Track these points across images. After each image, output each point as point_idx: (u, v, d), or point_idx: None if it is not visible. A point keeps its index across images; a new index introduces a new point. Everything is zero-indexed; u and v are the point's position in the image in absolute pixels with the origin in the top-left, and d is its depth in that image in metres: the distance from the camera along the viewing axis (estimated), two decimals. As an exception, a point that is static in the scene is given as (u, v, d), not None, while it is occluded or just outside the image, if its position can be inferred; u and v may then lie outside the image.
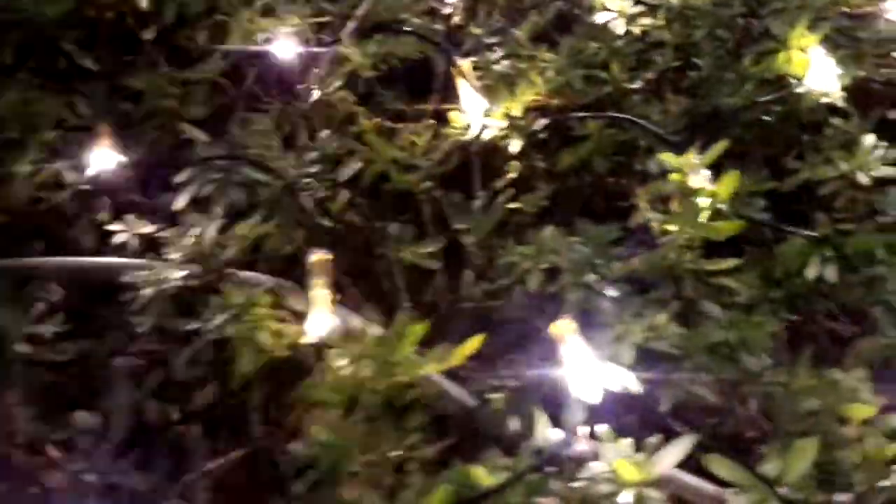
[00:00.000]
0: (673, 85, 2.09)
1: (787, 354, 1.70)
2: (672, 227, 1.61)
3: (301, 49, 1.94)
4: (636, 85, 1.98)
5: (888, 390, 1.62)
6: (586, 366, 1.42)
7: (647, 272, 1.71)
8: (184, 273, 1.73)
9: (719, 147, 1.66)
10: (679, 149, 1.86)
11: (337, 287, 1.62)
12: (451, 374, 1.57)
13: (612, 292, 1.54)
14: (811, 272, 1.69)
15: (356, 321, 1.59)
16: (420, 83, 2.01)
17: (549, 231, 1.64)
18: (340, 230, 1.72)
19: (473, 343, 1.43)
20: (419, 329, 1.47)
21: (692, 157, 1.84)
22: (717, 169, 2.01)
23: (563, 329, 1.46)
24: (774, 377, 1.55)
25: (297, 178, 1.73)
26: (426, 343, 1.53)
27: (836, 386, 1.54)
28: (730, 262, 1.68)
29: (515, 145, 1.81)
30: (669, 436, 1.47)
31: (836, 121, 2.03)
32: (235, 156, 1.85)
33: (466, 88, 1.89)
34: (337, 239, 1.67)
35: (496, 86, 1.97)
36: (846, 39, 2.16)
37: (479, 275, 1.71)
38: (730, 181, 1.69)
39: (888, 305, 1.64)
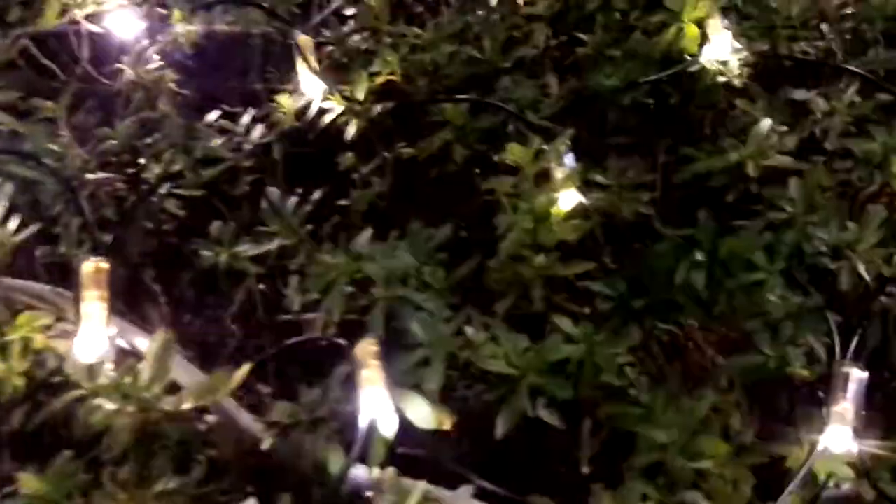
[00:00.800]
0: (555, 63, 1.87)
1: (653, 370, 1.50)
2: (518, 226, 1.40)
3: (123, 24, 1.73)
4: (508, 64, 1.76)
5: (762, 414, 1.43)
6: (381, 396, 1.21)
7: (494, 280, 1.50)
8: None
9: (565, 136, 1.44)
10: (549, 135, 1.66)
11: (131, 297, 1.42)
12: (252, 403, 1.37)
13: (430, 305, 1.32)
14: (679, 277, 1.47)
15: (139, 339, 1.39)
16: (258, 61, 1.80)
17: (364, 235, 1.43)
18: (144, 230, 1.51)
19: (240, 373, 1.22)
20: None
21: (560, 146, 1.64)
22: (600, 158, 1.82)
23: (365, 352, 1.26)
24: (619, 407, 1.34)
25: (84, 172, 1.52)
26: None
27: (692, 413, 1.33)
28: (585, 266, 1.47)
29: (351, 132, 1.59)
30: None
31: (739, 102, 1.83)
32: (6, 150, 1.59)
33: (305, 68, 1.67)
34: (129, 242, 1.46)
35: (349, 64, 1.76)
36: (757, 10, 1.94)
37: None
38: (574, 175, 1.48)
39: (766, 318, 1.42)
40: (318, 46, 1.74)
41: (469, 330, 1.30)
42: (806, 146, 1.69)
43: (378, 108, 1.58)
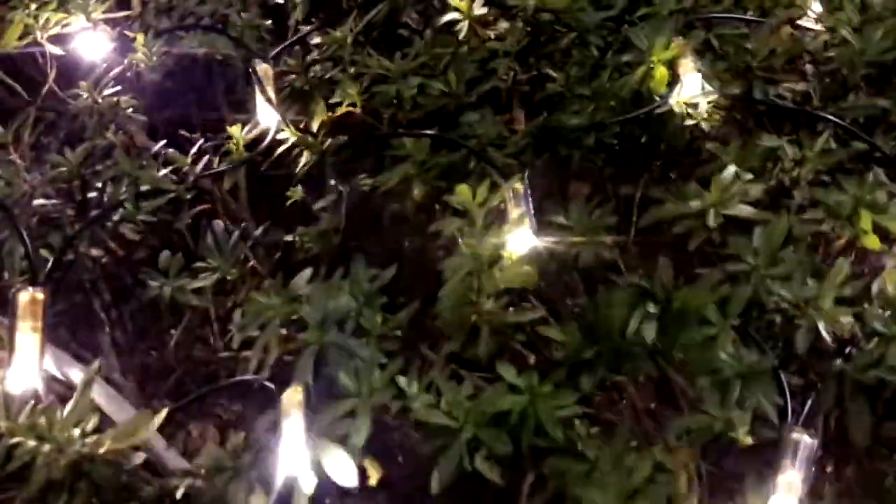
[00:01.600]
0: (523, 99, 1.82)
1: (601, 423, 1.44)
2: (459, 272, 1.35)
3: (90, 46, 1.69)
4: (473, 98, 1.72)
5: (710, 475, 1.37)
6: (301, 449, 1.17)
7: (441, 324, 1.45)
8: None
9: (519, 176, 1.39)
10: (511, 173, 1.62)
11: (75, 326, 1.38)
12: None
13: (365, 352, 1.28)
14: (631, 327, 1.42)
15: (75, 371, 1.35)
16: (222, 88, 1.76)
17: (304, 274, 1.38)
18: (90, 259, 1.48)
19: (159, 417, 1.18)
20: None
21: (516, 185, 1.60)
22: (563, 199, 1.78)
23: (290, 400, 1.21)
24: (563, 462, 1.29)
25: (32, 198, 1.48)
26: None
27: (636, 472, 1.28)
28: (535, 313, 1.42)
29: (302, 164, 1.54)
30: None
31: (710, 145, 1.78)
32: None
33: (262, 97, 1.64)
34: (74, 271, 1.42)
35: (311, 93, 1.73)
36: (733, 49, 1.89)
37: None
38: (530, 216, 1.44)
39: (716, 377, 1.36)
40: (281, 75, 1.72)
41: (402, 380, 1.25)
42: (775, 195, 1.65)
43: (340, 139, 1.54)
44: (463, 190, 1.40)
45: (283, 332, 1.30)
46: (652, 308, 1.40)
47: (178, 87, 1.78)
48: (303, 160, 1.54)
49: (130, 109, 1.64)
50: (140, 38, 1.70)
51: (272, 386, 1.24)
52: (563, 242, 1.59)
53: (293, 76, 1.73)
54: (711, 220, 1.51)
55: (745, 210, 1.53)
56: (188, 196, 1.49)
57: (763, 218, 1.56)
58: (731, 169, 1.60)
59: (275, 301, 1.32)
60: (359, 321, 1.32)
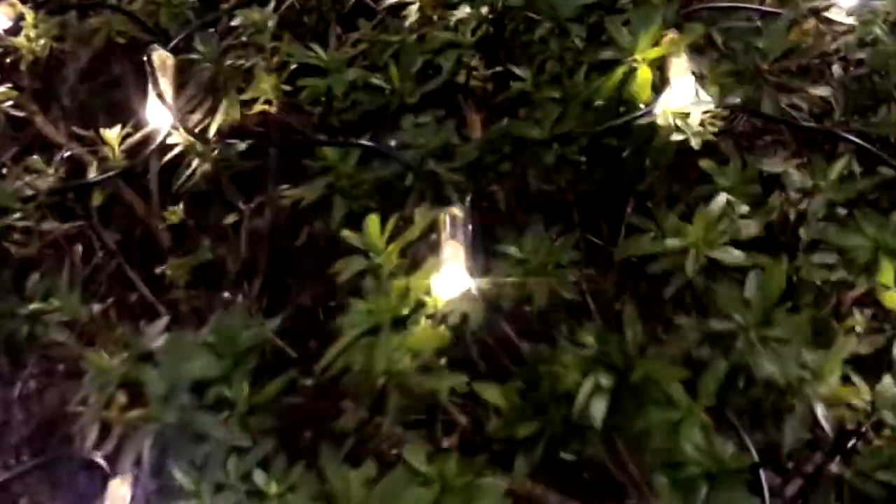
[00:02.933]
0: (483, 101, 1.53)
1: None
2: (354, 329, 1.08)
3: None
4: (414, 99, 1.43)
5: None
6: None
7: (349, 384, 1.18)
8: None
9: (421, 220, 1.11)
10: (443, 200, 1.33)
11: None
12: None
13: (221, 432, 1.01)
14: (579, 401, 1.14)
15: None
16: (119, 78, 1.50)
17: (157, 325, 1.11)
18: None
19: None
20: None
21: (453, 214, 1.32)
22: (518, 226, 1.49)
23: (114, 496, 0.96)
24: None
25: None
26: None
27: None
28: (454, 380, 1.14)
29: (193, 175, 1.27)
30: None
31: (705, 164, 1.47)
32: None
33: (154, 90, 1.37)
34: None
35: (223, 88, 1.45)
36: (741, 45, 1.57)
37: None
38: (465, 251, 1.15)
39: (679, 473, 1.08)
40: (189, 64, 1.44)
41: (259, 474, 0.99)
42: (776, 232, 1.35)
43: (238, 146, 1.27)
44: (372, 222, 1.12)
45: (123, 400, 1.04)
46: (605, 380, 1.12)
47: (90, 75, 1.52)
48: (198, 170, 1.28)
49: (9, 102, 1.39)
50: (30, 17, 1.45)
51: (104, 465, 0.98)
52: (510, 282, 1.31)
53: (205, 66, 1.45)
54: (690, 266, 1.22)
55: (733, 255, 1.24)
56: (39, 214, 1.22)
57: (759, 263, 1.27)
58: (722, 199, 1.30)
59: (113, 362, 1.06)
60: (223, 390, 1.06)
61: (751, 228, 1.28)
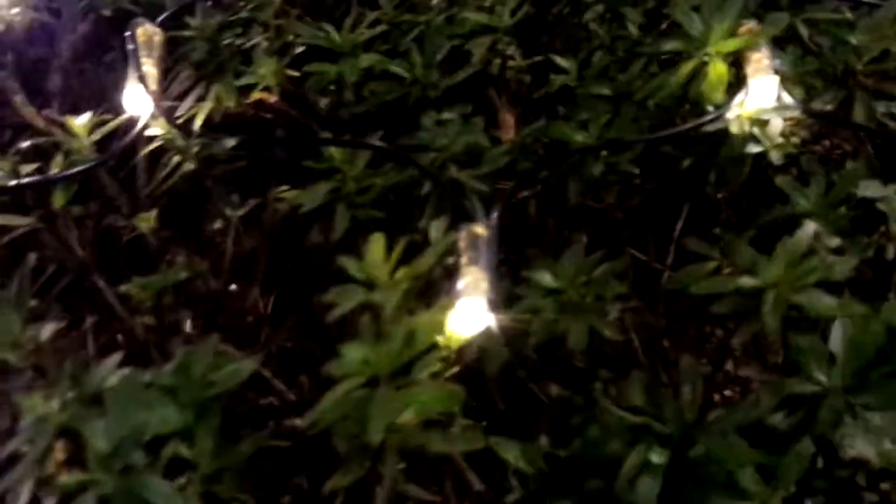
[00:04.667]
0: (516, 94, 1.32)
1: None
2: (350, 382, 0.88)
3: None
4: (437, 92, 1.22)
5: None
6: None
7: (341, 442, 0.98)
8: None
9: (437, 245, 0.89)
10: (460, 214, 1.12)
11: None
12: None
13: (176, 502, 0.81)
14: (623, 476, 0.92)
15: None
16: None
17: (108, 363, 0.91)
18: None
19: None
20: None
21: (473, 233, 1.10)
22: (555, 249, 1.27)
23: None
24: None
25: None
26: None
27: None
28: (469, 442, 0.93)
29: (164, 174, 1.07)
30: None
31: (780, 182, 1.24)
32: None
33: (134, 73, 1.17)
34: None
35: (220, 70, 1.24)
36: (831, 42, 1.34)
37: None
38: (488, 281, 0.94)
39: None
40: (178, 42, 1.24)
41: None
42: (873, 274, 1.12)
43: (223, 142, 1.07)
44: (374, 246, 0.92)
45: (62, 455, 0.85)
46: (657, 456, 0.91)
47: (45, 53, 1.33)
48: (180, 168, 1.08)
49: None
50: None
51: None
52: (541, 318, 1.10)
53: (197, 45, 1.25)
54: (769, 315, 1.00)
55: (824, 302, 1.01)
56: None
57: (849, 312, 1.04)
58: (809, 228, 1.08)
59: (51, 407, 0.87)
60: (182, 447, 0.87)
61: (845, 267, 1.05)
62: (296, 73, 1.30)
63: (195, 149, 1.05)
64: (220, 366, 0.90)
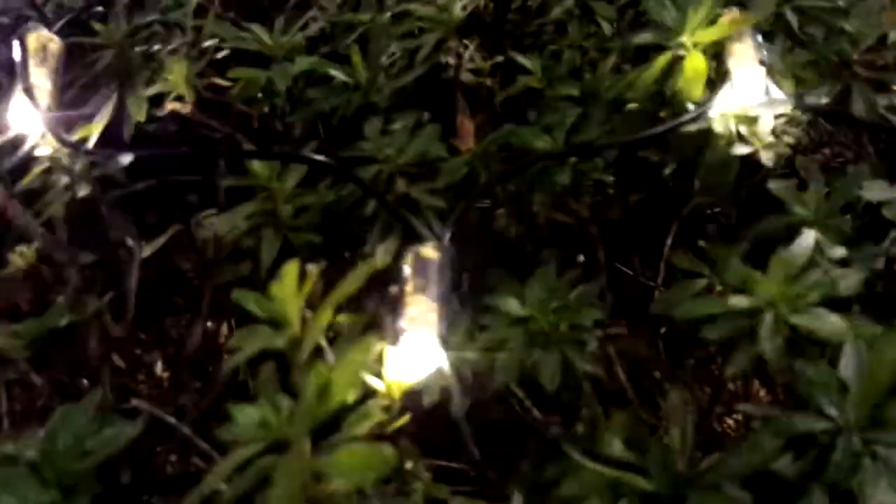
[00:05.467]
0: (479, 100, 1.18)
1: None
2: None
3: None
4: (383, 97, 1.08)
5: None
6: None
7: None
8: None
9: (364, 269, 0.74)
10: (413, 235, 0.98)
11: None
12: None
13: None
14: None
15: None
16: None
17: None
18: None
19: None
20: None
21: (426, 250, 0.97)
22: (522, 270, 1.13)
23: None
24: None
25: None
26: None
27: None
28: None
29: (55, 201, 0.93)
30: None
31: (773, 186, 1.12)
32: None
33: (23, 84, 1.03)
34: None
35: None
36: (823, 31, 1.22)
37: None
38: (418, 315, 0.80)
39: None
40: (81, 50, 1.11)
41: None
42: (881, 287, 0.99)
43: (116, 160, 0.93)
44: (288, 272, 0.78)
45: None
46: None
47: None
48: (68, 192, 0.93)
49: None
50: None
51: None
52: (516, 344, 0.95)
53: (106, 51, 1.12)
54: (767, 340, 0.87)
55: (829, 323, 0.88)
56: None
57: (860, 333, 0.91)
58: (810, 237, 0.95)
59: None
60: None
61: (852, 281, 0.92)
62: (222, 83, 1.17)
63: (79, 168, 0.90)
64: (99, 431, 0.75)
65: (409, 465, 0.88)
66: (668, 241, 1.15)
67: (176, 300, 1.01)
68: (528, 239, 1.07)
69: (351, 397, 0.67)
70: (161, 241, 1.00)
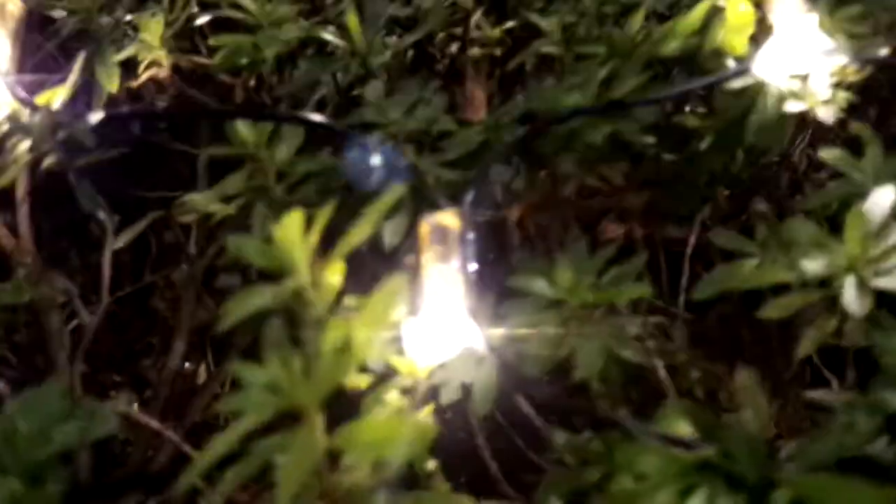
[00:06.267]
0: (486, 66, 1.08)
1: None
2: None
3: None
4: (380, 60, 0.97)
5: None
6: None
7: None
8: None
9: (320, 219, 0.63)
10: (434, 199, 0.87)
11: None
12: None
13: None
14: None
15: None
16: None
17: None
18: None
19: None
20: None
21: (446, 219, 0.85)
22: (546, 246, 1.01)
23: None
24: None
25: None
26: None
27: None
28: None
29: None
30: None
31: (827, 156, 1.01)
32: None
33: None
34: None
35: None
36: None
37: None
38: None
39: None
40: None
41: None
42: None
43: (84, 123, 0.81)
44: (288, 224, 0.66)
45: None
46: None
47: None
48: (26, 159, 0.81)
49: None
50: None
51: None
52: (540, 335, 0.84)
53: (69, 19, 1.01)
54: (854, 299, 0.75)
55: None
56: None
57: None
58: (888, 194, 0.84)
59: None
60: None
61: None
62: (204, 61, 1.06)
63: (40, 129, 0.78)
64: (70, 417, 0.62)
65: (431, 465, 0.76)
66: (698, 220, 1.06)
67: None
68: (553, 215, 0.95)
69: (374, 355, 0.55)
70: (141, 225, 0.88)
